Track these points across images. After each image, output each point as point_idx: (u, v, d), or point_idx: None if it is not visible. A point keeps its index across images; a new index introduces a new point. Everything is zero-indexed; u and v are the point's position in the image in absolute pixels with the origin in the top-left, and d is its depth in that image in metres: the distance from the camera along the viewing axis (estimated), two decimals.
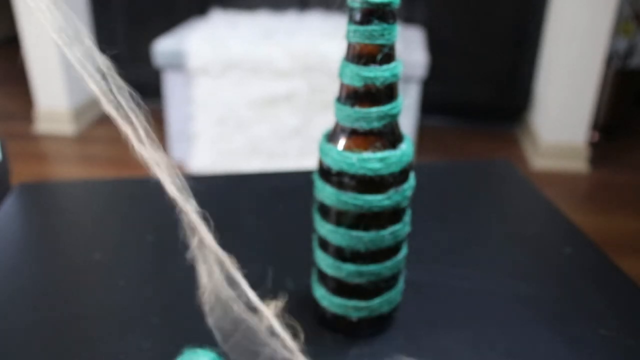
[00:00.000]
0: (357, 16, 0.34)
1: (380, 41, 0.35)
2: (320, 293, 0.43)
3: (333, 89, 1.67)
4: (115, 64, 0.26)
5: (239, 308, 0.26)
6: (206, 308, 0.27)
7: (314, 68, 1.78)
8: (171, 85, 1.92)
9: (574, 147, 2.09)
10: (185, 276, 0.50)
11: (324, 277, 0.42)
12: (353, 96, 0.36)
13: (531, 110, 2.29)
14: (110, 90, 0.26)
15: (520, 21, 2.20)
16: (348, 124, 0.37)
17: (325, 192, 0.39)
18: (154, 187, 0.27)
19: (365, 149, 0.37)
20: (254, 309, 0.26)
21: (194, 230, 0.26)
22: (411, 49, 1.89)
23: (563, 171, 2.07)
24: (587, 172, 2.08)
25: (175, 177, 0.26)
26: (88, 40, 0.26)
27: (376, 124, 0.36)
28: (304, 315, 0.45)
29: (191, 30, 1.95)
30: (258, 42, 1.82)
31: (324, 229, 0.40)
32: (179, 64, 1.85)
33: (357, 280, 0.40)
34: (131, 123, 0.26)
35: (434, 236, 0.57)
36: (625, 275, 0.50)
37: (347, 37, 0.36)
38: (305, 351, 0.26)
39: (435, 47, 2.11)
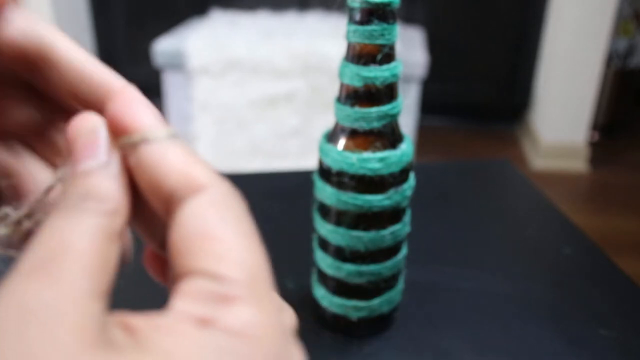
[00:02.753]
0: (357, 16, 0.34)
1: (380, 41, 0.35)
2: (320, 293, 0.43)
3: (333, 89, 1.67)
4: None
5: None
6: None
7: (314, 68, 1.78)
8: (171, 85, 1.92)
9: (574, 147, 2.09)
10: None
11: (324, 277, 0.42)
12: (353, 96, 0.36)
13: (531, 109, 2.29)
14: None
15: (520, 21, 2.20)
16: (348, 124, 0.37)
17: (325, 192, 0.39)
18: None
19: (365, 149, 0.37)
20: None
21: None
22: (411, 49, 1.89)
23: (563, 171, 2.07)
24: (587, 172, 2.08)
25: None
26: None
27: (376, 124, 0.36)
28: (304, 315, 0.45)
29: (191, 30, 1.95)
30: (258, 42, 1.82)
31: (324, 229, 0.40)
32: (179, 64, 1.84)
33: (357, 280, 0.40)
34: None
35: (434, 236, 0.57)
36: (625, 275, 0.50)
37: (347, 37, 0.36)
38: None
39: (435, 47, 2.11)
